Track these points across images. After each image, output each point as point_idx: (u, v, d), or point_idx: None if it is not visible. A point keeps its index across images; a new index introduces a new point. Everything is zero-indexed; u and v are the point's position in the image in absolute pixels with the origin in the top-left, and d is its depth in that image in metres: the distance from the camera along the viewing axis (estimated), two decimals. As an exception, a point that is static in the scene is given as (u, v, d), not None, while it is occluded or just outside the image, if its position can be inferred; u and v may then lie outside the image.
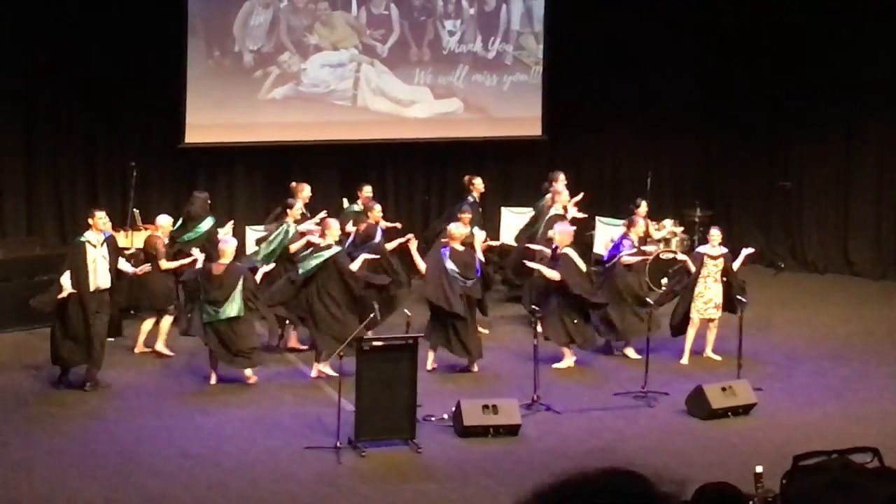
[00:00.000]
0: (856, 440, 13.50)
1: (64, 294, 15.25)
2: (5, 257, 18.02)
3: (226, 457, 13.66)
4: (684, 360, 16.85)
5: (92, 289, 15.32)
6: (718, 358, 16.89)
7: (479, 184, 19.03)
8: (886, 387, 16.32)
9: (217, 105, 20.19)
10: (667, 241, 20.79)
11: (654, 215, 20.20)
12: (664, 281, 20.39)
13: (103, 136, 19.90)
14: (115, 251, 15.79)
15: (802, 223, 22.41)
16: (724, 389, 15.20)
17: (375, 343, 14.32)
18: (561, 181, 18.82)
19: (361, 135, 21.11)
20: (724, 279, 16.78)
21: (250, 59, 20.37)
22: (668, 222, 20.77)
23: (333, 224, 16.22)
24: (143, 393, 15.46)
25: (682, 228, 20.81)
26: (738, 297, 16.46)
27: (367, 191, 18.48)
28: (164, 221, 16.90)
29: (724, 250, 16.93)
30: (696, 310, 16.79)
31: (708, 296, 16.74)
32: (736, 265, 16.96)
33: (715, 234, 16.96)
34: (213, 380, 15.70)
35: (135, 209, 18.36)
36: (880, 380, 16.59)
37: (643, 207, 18.02)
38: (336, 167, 21.06)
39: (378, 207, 17.62)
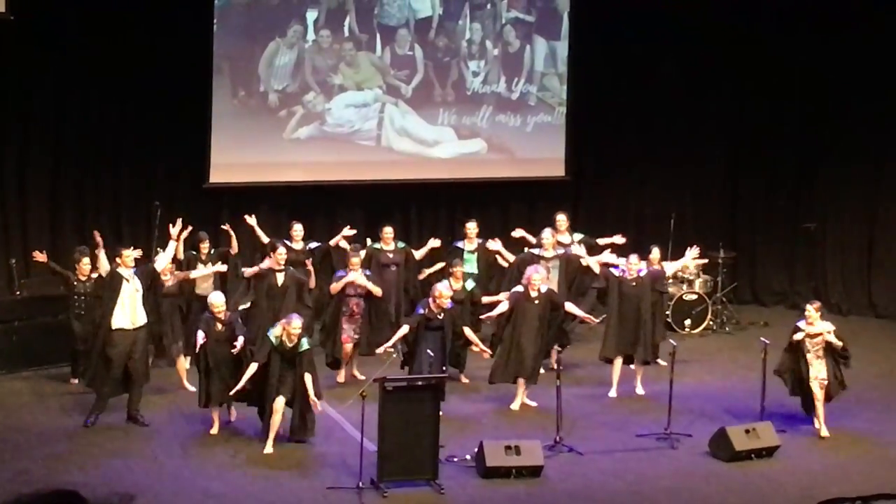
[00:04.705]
0: (880, 484, 13.49)
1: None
2: (29, 296, 18.10)
3: (248, 496, 13.64)
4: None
5: (127, 326, 15.49)
6: (827, 434, 15.77)
7: (469, 229, 19.27)
8: (911, 430, 16.28)
9: (242, 144, 20.28)
10: (689, 283, 20.79)
11: (677, 256, 20.23)
12: (687, 322, 20.41)
13: (128, 175, 20.00)
14: (149, 280, 15.94)
15: (826, 265, 22.39)
16: (747, 431, 15.13)
17: (399, 383, 14.35)
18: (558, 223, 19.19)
19: (385, 175, 21.17)
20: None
21: (275, 99, 20.47)
22: (691, 263, 20.73)
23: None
24: (166, 431, 15.47)
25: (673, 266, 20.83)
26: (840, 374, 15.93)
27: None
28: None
29: (827, 327, 15.87)
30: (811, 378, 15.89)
31: (812, 373, 15.78)
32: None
33: (810, 310, 15.83)
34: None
35: (159, 248, 18.41)
36: (905, 423, 16.54)
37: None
38: (360, 207, 21.12)
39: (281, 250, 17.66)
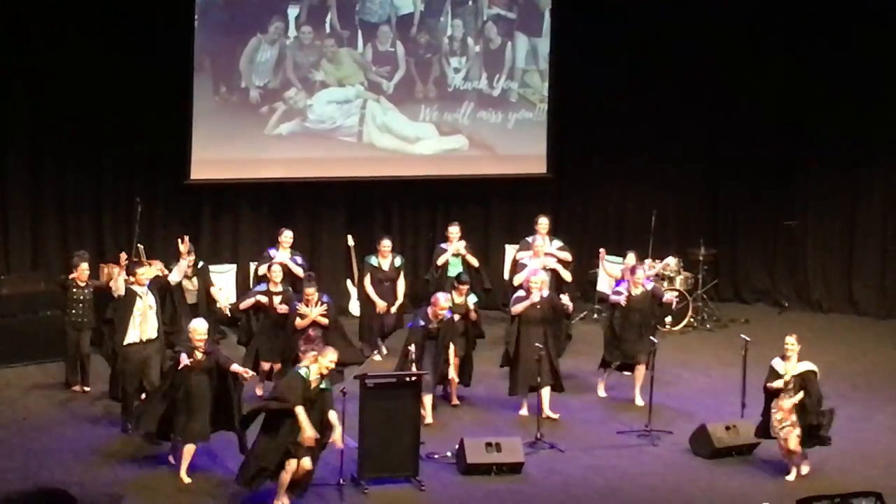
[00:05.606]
0: (860, 482, 13.53)
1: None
2: (10, 293, 18.03)
3: (229, 494, 13.61)
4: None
5: (137, 340, 15.22)
6: (806, 472, 14.57)
7: (452, 233, 19.27)
8: (891, 427, 16.31)
9: (223, 141, 20.23)
10: (671, 280, 20.79)
11: (658, 253, 20.29)
12: (668, 319, 20.41)
13: (109, 171, 19.90)
14: (160, 291, 15.74)
15: (807, 262, 22.41)
16: (727, 428, 15.16)
17: (379, 380, 14.34)
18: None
19: (367, 171, 21.15)
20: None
21: (256, 95, 20.43)
22: (671, 260, 20.76)
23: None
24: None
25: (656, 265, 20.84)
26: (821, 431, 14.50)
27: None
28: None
29: (805, 367, 14.38)
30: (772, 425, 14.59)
31: (781, 416, 14.47)
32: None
33: (790, 341, 14.41)
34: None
35: (139, 244, 18.37)
36: (885, 420, 16.57)
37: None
38: (341, 204, 21.12)
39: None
